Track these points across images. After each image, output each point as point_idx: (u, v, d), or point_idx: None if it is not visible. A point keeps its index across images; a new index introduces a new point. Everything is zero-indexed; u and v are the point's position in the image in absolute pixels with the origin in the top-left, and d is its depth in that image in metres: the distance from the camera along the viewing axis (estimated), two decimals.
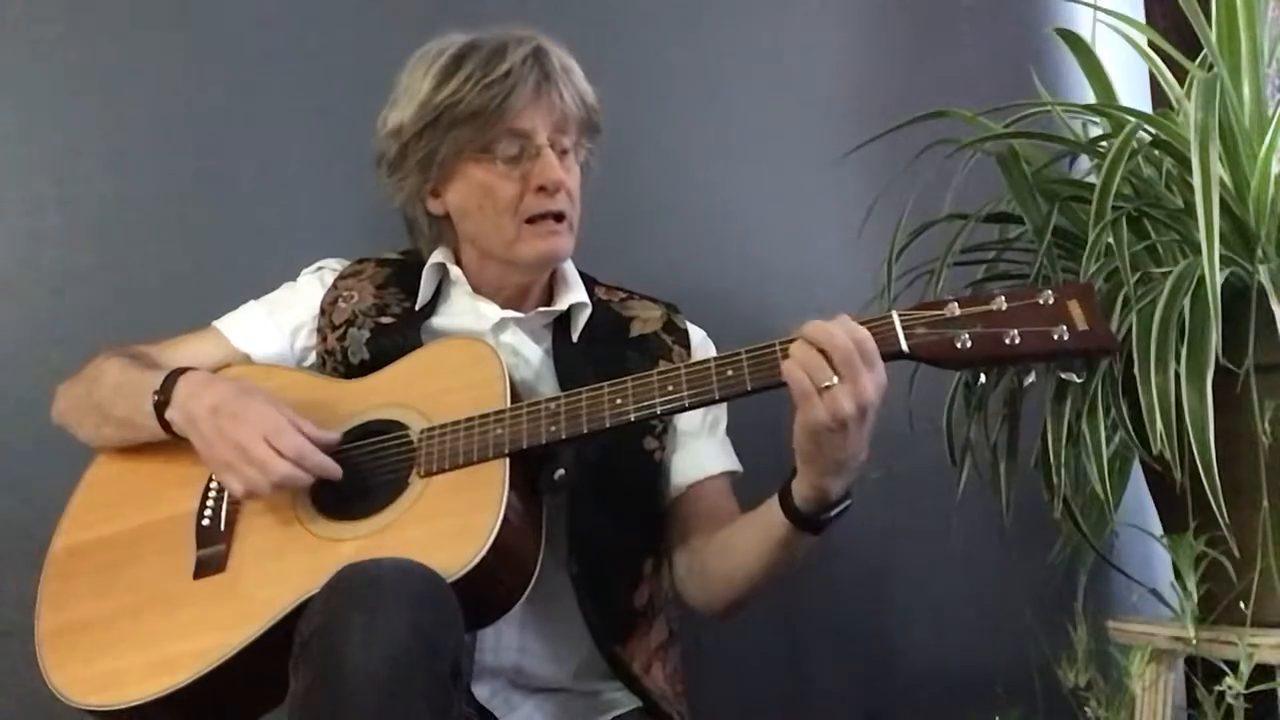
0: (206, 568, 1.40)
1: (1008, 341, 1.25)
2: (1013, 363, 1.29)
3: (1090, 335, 1.25)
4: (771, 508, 1.39)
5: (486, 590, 1.30)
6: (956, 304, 1.28)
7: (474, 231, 1.56)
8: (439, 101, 1.48)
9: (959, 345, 1.26)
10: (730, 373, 1.33)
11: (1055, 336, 1.25)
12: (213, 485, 1.45)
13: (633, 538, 1.54)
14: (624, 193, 1.93)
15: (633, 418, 1.35)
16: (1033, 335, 1.25)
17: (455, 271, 1.58)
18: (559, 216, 1.53)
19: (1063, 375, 1.31)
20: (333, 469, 1.39)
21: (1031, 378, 1.29)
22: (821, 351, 1.25)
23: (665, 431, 1.56)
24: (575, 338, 1.57)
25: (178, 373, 1.45)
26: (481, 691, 1.45)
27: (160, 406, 1.44)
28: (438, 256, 1.59)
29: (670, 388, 1.35)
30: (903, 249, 1.64)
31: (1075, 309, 1.26)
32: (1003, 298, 1.28)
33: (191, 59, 1.94)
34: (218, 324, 1.61)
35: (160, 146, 1.92)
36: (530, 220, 1.52)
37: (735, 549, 1.46)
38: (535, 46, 1.51)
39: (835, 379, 1.24)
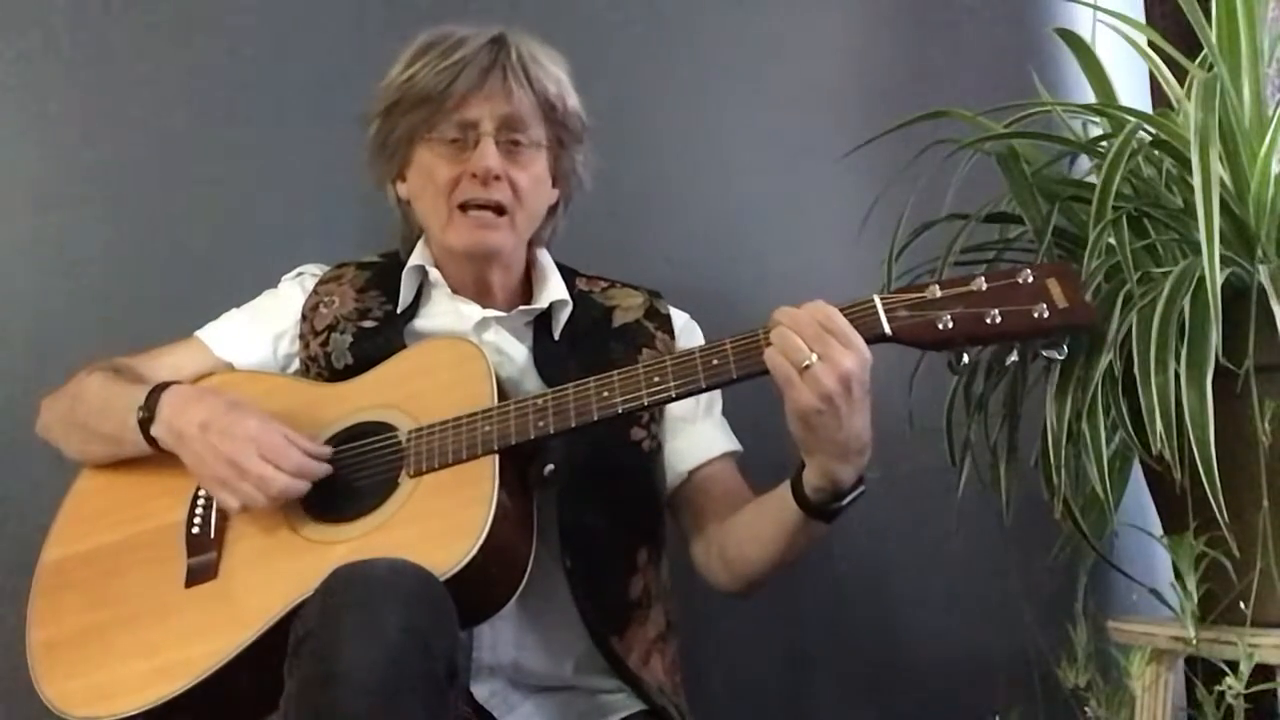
0: (198, 576, 1.40)
1: (989, 321, 1.27)
2: (995, 341, 1.30)
3: (1070, 311, 1.27)
4: (784, 497, 1.39)
5: (480, 587, 1.31)
6: (938, 286, 1.30)
7: (421, 215, 1.58)
8: (399, 84, 1.52)
9: (941, 326, 1.28)
10: (715, 362, 1.34)
11: (1036, 314, 1.26)
12: (201, 493, 1.45)
13: (625, 529, 1.54)
14: (623, 192, 1.93)
15: (620, 410, 1.36)
16: (1014, 314, 1.27)
17: (434, 274, 1.58)
18: (499, 210, 1.52)
19: (1044, 354, 1.32)
20: (326, 471, 1.40)
21: (1013, 356, 1.30)
22: (795, 333, 1.26)
23: (654, 421, 1.56)
24: (556, 335, 1.57)
25: (160, 388, 1.45)
26: (480, 691, 1.45)
27: (145, 424, 1.44)
28: (416, 259, 1.60)
29: (657, 379, 1.35)
30: (903, 249, 1.63)
31: (1054, 287, 1.28)
32: (983, 279, 1.30)
33: (192, 59, 1.94)
34: (200, 333, 1.62)
35: (161, 145, 1.92)
36: (463, 207, 1.52)
37: (752, 536, 1.47)
38: (496, 35, 1.51)
39: (813, 357, 1.24)
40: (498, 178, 1.50)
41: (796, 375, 1.25)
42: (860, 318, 1.29)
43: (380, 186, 1.62)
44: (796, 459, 1.35)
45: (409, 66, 1.52)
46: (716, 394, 1.61)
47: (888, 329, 1.29)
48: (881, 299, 1.31)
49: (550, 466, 1.40)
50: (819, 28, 2.19)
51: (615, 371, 1.38)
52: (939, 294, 1.29)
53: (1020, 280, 1.28)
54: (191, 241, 1.92)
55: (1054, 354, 1.32)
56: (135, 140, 1.92)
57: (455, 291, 1.58)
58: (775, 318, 1.29)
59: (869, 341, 1.28)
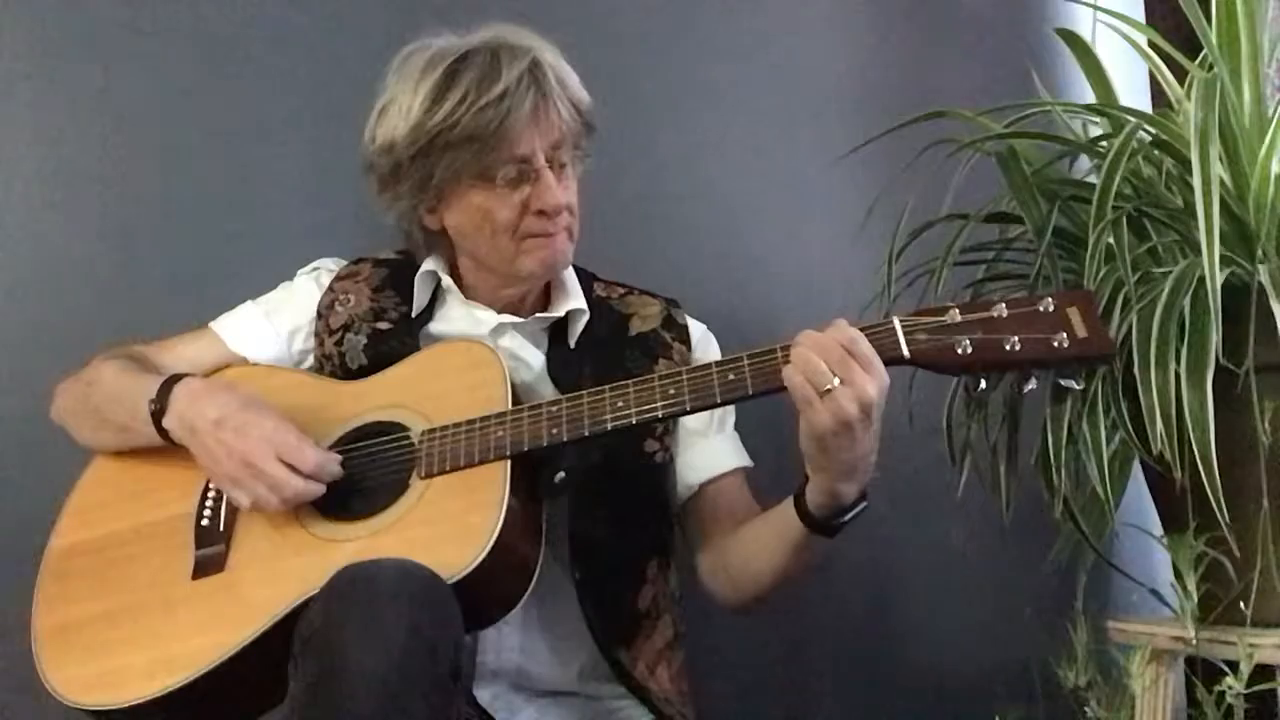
0: (205, 568, 1.40)
1: (1008, 348, 1.26)
2: (1013, 369, 1.29)
3: (1089, 342, 1.26)
4: (786, 512, 1.39)
5: (486, 592, 1.30)
6: (957, 310, 1.29)
7: (472, 248, 1.54)
8: (433, 125, 1.44)
9: (960, 351, 1.27)
10: (732, 376, 1.33)
11: (1055, 343, 1.25)
12: (212, 485, 1.45)
13: (635, 540, 1.53)
14: (624, 193, 1.93)
15: (634, 421, 1.35)
16: (1033, 342, 1.26)
17: (447, 281, 1.57)
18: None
19: (1062, 383, 1.32)
20: (338, 472, 1.40)
21: (1032, 384, 1.29)
22: (819, 356, 1.25)
23: (667, 433, 1.56)
24: (572, 343, 1.57)
25: (173, 380, 1.45)
26: (483, 694, 1.45)
27: (157, 415, 1.43)
28: (429, 265, 1.58)
29: (672, 391, 1.35)
30: (903, 249, 1.64)
31: (1075, 316, 1.27)
32: (1003, 304, 1.28)
33: (190, 59, 1.94)
34: (214, 325, 1.61)
35: (159, 144, 1.92)
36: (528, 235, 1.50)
37: (755, 551, 1.47)
38: (531, 61, 1.46)
39: (835, 381, 1.24)
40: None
41: (817, 397, 1.25)
42: (879, 339, 1.28)
43: (400, 218, 1.56)
44: (801, 474, 1.35)
45: (437, 104, 1.44)
46: (730, 409, 1.60)
47: (906, 352, 1.28)
48: (901, 321, 1.30)
49: (561, 474, 1.40)
50: (819, 28, 2.20)
51: (630, 381, 1.37)
52: (958, 318, 1.28)
53: (1041, 308, 1.27)
54: (190, 242, 1.92)
55: (1071, 384, 1.31)
56: (135, 138, 1.92)
57: (470, 298, 1.57)
58: (799, 339, 1.28)
59: (886, 364, 1.27)
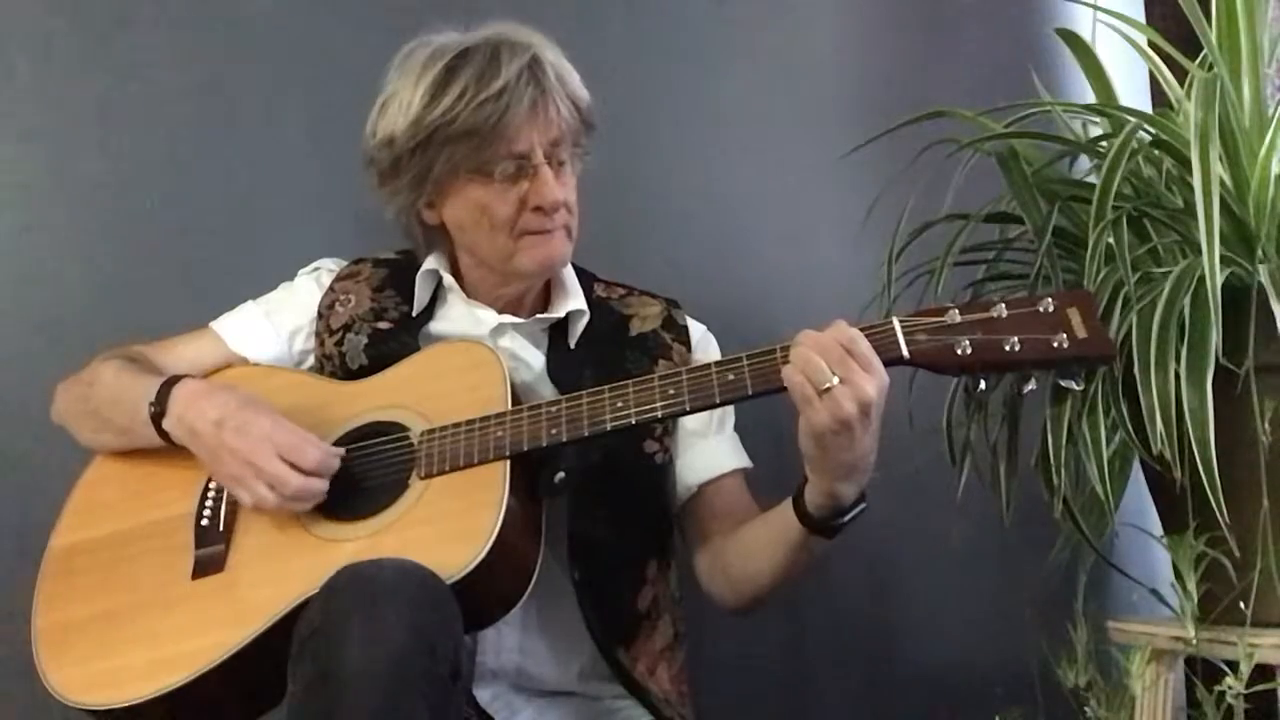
0: (205, 568, 1.40)
1: (1008, 349, 1.26)
2: (1013, 369, 1.29)
3: (1089, 343, 1.26)
4: (786, 513, 1.39)
5: (486, 592, 1.30)
6: (957, 310, 1.29)
7: (471, 244, 1.55)
8: (431, 120, 1.45)
9: (959, 351, 1.27)
10: (731, 377, 1.33)
11: (1055, 344, 1.25)
12: (212, 485, 1.46)
13: (635, 542, 1.53)
14: (624, 193, 1.93)
15: (634, 421, 1.35)
16: (1033, 342, 1.26)
17: (449, 279, 1.57)
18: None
19: (1062, 383, 1.32)
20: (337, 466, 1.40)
21: (1031, 385, 1.29)
22: (819, 355, 1.25)
23: (666, 434, 1.56)
24: (572, 344, 1.57)
25: (171, 382, 1.45)
26: (483, 694, 1.45)
27: (156, 418, 1.44)
28: (431, 263, 1.58)
29: (671, 391, 1.35)
30: (903, 249, 1.63)
31: (1075, 316, 1.27)
32: (1003, 305, 1.28)
33: (189, 57, 1.94)
34: (215, 325, 1.61)
35: (158, 143, 1.92)
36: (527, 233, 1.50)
37: (754, 552, 1.47)
38: (530, 58, 1.47)
39: (834, 380, 1.24)
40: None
41: (816, 396, 1.25)
42: (879, 339, 1.28)
43: (399, 213, 1.56)
44: (800, 474, 1.35)
45: (437, 98, 1.45)
46: (729, 410, 1.60)
47: (905, 352, 1.28)
48: (900, 321, 1.29)
49: (561, 474, 1.40)
50: (819, 28, 2.20)
51: (630, 381, 1.37)
52: (958, 318, 1.28)
53: (1041, 308, 1.27)
54: (188, 242, 1.92)
55: (1071, 384, 1.31)
56: (135, 137, 1.92)
57: (471, 297, 1.57)
58: (798, 339, 1.28)
59: (886, 364, 1.27)
